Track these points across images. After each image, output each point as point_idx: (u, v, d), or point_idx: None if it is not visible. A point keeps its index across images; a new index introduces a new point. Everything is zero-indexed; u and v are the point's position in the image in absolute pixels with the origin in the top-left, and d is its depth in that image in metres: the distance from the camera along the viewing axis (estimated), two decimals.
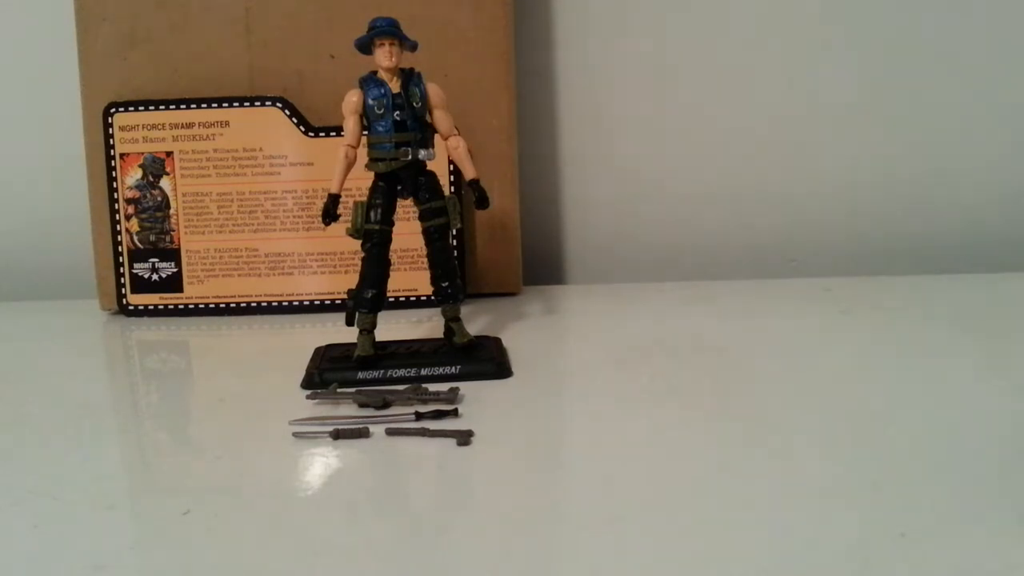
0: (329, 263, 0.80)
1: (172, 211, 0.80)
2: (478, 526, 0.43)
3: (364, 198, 0.62)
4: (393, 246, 0.63)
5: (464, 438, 0.51)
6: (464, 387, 0.59)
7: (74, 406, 0.60)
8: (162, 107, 0.79)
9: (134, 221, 0.80)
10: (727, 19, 0.90)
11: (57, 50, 0.84)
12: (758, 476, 0.47)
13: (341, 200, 0.62)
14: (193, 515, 0.44)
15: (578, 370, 0.66)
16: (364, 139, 0.62)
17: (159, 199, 0.80)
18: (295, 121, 0.79)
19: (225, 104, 0.79)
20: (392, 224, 0.62)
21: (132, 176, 0.80)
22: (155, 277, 0.81)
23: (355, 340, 0.63)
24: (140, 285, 0.81)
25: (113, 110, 0.79)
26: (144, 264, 0.81)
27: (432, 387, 0.58)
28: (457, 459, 0.50)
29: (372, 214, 0.62)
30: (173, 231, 0.80)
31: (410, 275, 0.79)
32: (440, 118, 0.63)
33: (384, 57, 0.60)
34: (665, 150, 0.92)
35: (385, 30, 0.60)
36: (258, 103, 0.79)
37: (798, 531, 0.41)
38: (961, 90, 0.90)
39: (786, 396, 0.58)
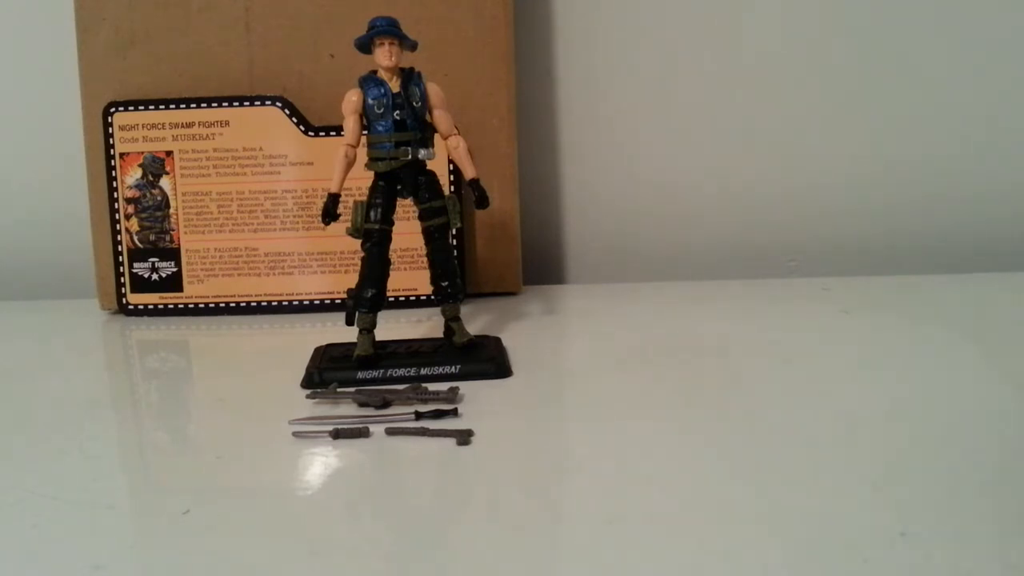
0: (329, 263, 0.80)
1: (172, 211, 0.80)
2: (478, 526, 0.43)
3: (364, 198, 0.62)
4: (393, 246, 0.63)
5: (464, 438, 0.51)
6: (464, 387, 0.59)
7: (74, 406, 0.60)
8: (162, 107, 0.79)
9: (134, 221, 0.80)
10: (727, 19, 0.90)
11: (57, 50, 0.85)
12: (757, 475, 0.47)
13: (341, 200, 0.62)
14: (193, 515, 0.44)
15: (578, 370, 0.66)
16: (364, 139, 0.62)
17: (159, 198, 0.80)
18: (295, 121, 0.79)
19: (225, 104, 0.79)
20: (392, 223, 0.62)
21: (132, 176, 0.80)
22: (155, 277, 0.81)
23: (355, 340, 0.63)
24: (140, 285, 0.81)
25: (113, 109, 0.79)
26: (144, 264, 0.81)
27: (432, 387, 0.58)
28: (457, 459, 0.50)
29: (372, 213, 0.62)
30: (173, 231, 0.80)
31: (410, 275, 0.79)
32: (440, 118, 0.63)
33: (384, 56, 0.60)
34: (665, 150, 0.92)
35: (385, 29, 0.60)
36: (258, 103, 0.79)
37: (798, 531, 0.41)
38: (962, 89, 0.90)
39: (786, 396, 0.58)
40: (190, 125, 0.79)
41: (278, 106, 0.79)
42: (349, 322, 0.63)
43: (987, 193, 0.91)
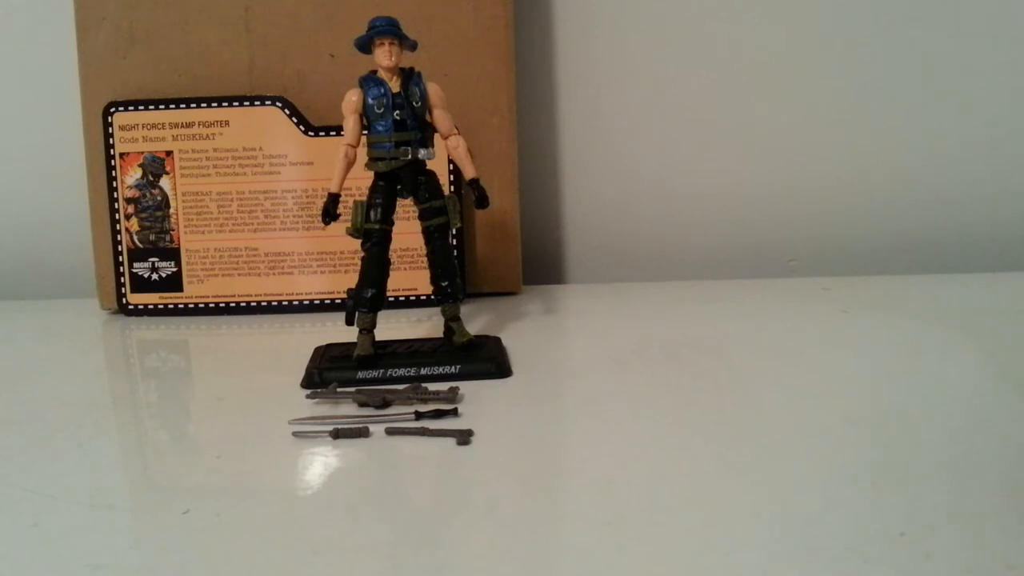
0: (329, 263, 0.80)
1: (172, 210, 0.80)
2: (478, 526, 0.43)
3: (364, 197, 0.62)
4: (393, 245, 0.63)
5: (464, 438, 0.51)
6: (464, 387, 0.59)
7: (74, 406, 0.60)
8: (162, 106, 0.79)
9: (134, 220, 0.80)
10: (727, 19, 0.90)
11: (57, 50, 0.84)
12: (757, 476, 0.47)
13: (341, 199, 0.62)
14: (193, 515, 0.44)
15: (578, 370, 0.66)
16: (364, 138, 0.62)
17: (159, 198, 0.80)
18: (295, 121, 0.79)
19: (225, 104, 0.79)
20: (392, 223, 0.62)
21: (132, 175, 0.80)
22: (155, 276, 0.81)
23: (355, 339, 0.63)
24: (140, 284, 0.81)
25: (113, 109, 0.79)
26: (144, 263, 0.81)
27: (432, 386, 0.58)
28: (457, 459, 0.50)
29: (372, 213, 0.62)
30: (173, 230, 0.80)
31: (410, 274, 0.79)
32: (440, 117, 0.63)
33: (384, 56, 0.60)
34: (665, 150, 0.92)
35: (385, 29, 0.60)
36: (258, 103, 0.79)
37: (798, 531, 0.41)
38: (961, 89, 0.90)
39: (786, 396, 0.58)
40: (190, 125, 0.79)
41: (278, 106, 0.79)
42: (349, 322, 0.63)
43: (987, 193, 0.91)
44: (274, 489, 0.48)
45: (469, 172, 0.63)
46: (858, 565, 0.38)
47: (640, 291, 0.86)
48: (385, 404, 0.56)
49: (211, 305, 0.80)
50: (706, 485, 0.46)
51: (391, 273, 0.63)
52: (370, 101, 0.61)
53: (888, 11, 0.89)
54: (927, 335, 0.70)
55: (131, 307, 0.81)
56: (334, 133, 0.79)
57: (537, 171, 0.92)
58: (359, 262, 0.63)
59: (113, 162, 0.80)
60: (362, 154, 0.62)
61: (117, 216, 0.80)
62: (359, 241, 0.62)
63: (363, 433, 0.52)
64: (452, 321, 0.65)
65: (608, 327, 0.75)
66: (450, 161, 0.77)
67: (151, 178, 0.80)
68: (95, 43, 0.81)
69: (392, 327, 0.72)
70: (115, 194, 0.80)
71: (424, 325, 0.75)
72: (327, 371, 0.61)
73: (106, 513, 0.45)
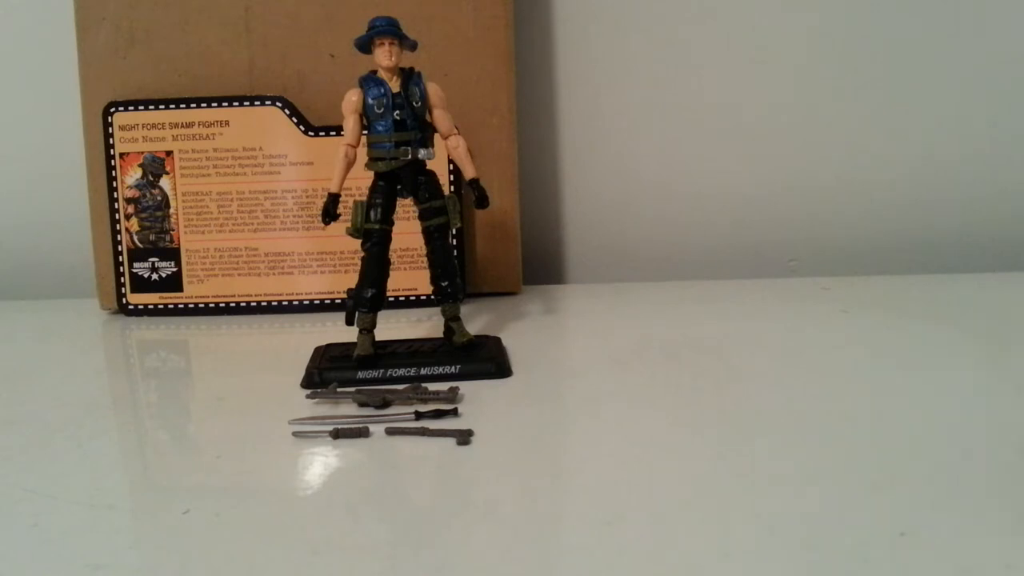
0: (329, 263, 0.80)
1: (172, 210, 0.80)
2: (478, 526, 0.43)
3: (364, 197, 0.62)
4: (393, 245, 0.63)
5: (464, 438, 0.51)
6: (464, 387, 0.59)
7: (74, 406, 0.60)
8: (162, 106, 0.79)
9: (134, 220, 0.80)
10: (726, 19, 0.90)
11: (57, 50, 0.85)
12: (757, 476, 0.47)
13: (341, 199, 0.62)
14: (193, 515, 0.44)
15: (578, 370, 0.66)
16: (364, 138, 0.62)
17: (159, 198, 0.80)
18: (295, 121, 0.79)
19: (225, 104, 0.79)
20: (392, 223, 0.63)
21: (132, 175, 0.80)
22: (155, 276, 0.81)
23: (355, 339, 0.63)
24: (140, 284, 0.81)
25: (113, 109, 0.79)
26: (144, 263, 0.81)
27: (432, 386, 0.58)
28: (457, 459, 0.50)
29: (372, 213, 0.62)
30: (173, 230, 0.80)
31: (410, 274, 0.79)
32: (440, 117, 0.63)
33: (384, 56, 0.60)
34: (665, 150, 0.92)
35: (385, 29, 0.60)
36: (258, 103, 0.79)
37: (798, 531, 0.41)
38: (960, 89, 0.90)
39: (786, 396, 0.58)
40: (190, 125, 0.79)
41: (278, 106, 0.79)
42: (349, 322, 0.63)
43: (987, 193, 0.91)
44: (274, 489, 0.48)
45: (469, 172, 0.63)
46: (858, 565, 0.38)
47: (640, 291, 0.86)
48: (385, 404, 0.56)
49: (211, 305, 0.80)
50: (706, 485, 0.46)
51: (391, 273, 0.63)
52: (370, 101, 0.61)
53: (888, 11, 0.89)
54: (926, 335, 0.70)
55: (131, 307, 0.81)
56: (334, 133, 0.79)
57: (537, 171, 0.92)
58: (359, 262, 0.63)
59: (113, 162, 0.80)
60: (362, 154, 0.62)
61: (117, 216, 0.80)
62: (359, 241, 0.62)
63: (363, 433, 0.52)
64: (452, 321, 0.65)
65: (608, 327, 0.75)
66: (450, 161, 0.77)
67: (151, 178, 0.80)
68: (95, 43, 0.81)
69: (392, 327, 0.72)
70: (115, 194, 0.80)
71: (424, 325, 0.75)
72: (327, 371, 0.61)
73: (106, 513, 0.45)
